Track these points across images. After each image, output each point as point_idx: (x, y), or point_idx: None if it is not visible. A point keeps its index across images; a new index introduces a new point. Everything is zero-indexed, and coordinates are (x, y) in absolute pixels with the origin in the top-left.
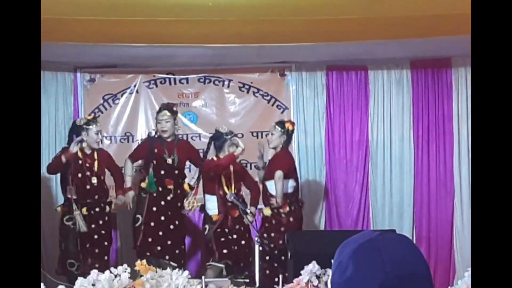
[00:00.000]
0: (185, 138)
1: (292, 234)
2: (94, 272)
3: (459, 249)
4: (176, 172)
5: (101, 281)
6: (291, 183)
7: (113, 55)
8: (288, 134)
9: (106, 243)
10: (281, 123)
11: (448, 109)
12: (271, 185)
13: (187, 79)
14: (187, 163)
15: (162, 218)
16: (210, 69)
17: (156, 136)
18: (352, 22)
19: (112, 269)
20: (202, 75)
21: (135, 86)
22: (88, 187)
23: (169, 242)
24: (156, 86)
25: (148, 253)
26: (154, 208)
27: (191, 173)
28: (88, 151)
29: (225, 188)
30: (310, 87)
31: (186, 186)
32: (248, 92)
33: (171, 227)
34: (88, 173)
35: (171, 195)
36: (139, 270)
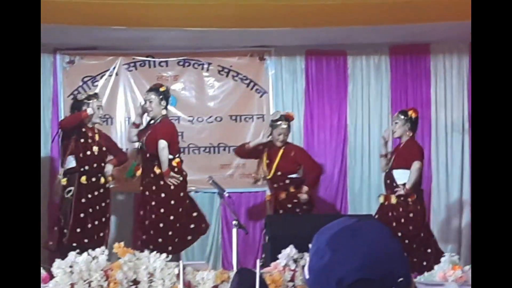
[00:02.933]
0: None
1: (270, 217)
2: (71, 254)
3: (436, 234)
4: None
5: (79, 263)
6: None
7: (92, 37)
8: (412, 122)
9: (103, 219)
10: (403, 112)
11: (427, 95)
12: (399, 174)
13: (166, 62)
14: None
15: None
16: (190, 52)
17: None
18: (331, 8)
19: (90, 251)
20: (182, 58)
21: (114, 68)
22: (88, 153)
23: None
24: (136, 68)
25: None
26: None
27: None
28: (90, 125)
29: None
30: (289, 72)
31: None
32: (227, 75)
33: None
34: (90, 140)
35: None
36: (116, 252)
